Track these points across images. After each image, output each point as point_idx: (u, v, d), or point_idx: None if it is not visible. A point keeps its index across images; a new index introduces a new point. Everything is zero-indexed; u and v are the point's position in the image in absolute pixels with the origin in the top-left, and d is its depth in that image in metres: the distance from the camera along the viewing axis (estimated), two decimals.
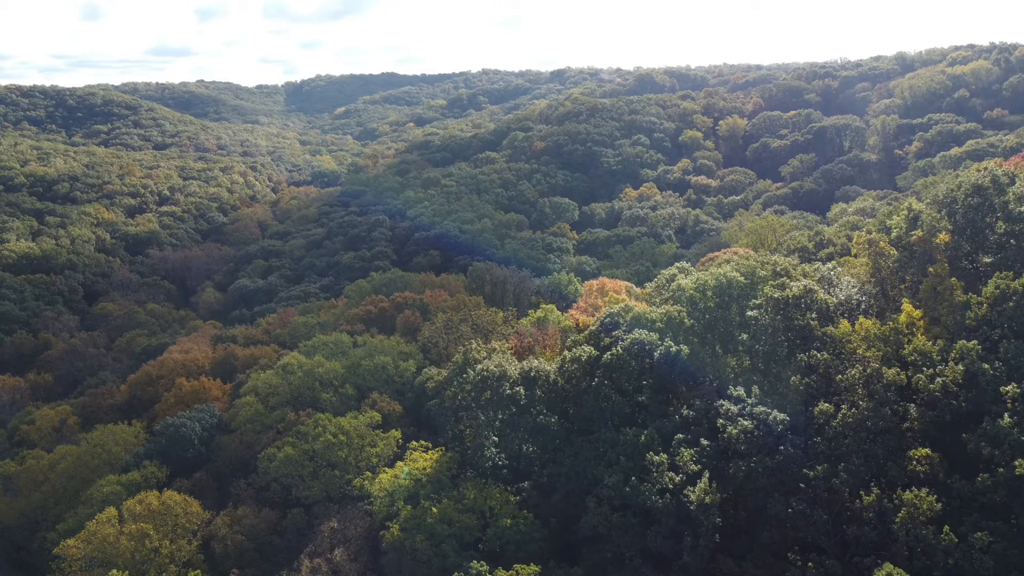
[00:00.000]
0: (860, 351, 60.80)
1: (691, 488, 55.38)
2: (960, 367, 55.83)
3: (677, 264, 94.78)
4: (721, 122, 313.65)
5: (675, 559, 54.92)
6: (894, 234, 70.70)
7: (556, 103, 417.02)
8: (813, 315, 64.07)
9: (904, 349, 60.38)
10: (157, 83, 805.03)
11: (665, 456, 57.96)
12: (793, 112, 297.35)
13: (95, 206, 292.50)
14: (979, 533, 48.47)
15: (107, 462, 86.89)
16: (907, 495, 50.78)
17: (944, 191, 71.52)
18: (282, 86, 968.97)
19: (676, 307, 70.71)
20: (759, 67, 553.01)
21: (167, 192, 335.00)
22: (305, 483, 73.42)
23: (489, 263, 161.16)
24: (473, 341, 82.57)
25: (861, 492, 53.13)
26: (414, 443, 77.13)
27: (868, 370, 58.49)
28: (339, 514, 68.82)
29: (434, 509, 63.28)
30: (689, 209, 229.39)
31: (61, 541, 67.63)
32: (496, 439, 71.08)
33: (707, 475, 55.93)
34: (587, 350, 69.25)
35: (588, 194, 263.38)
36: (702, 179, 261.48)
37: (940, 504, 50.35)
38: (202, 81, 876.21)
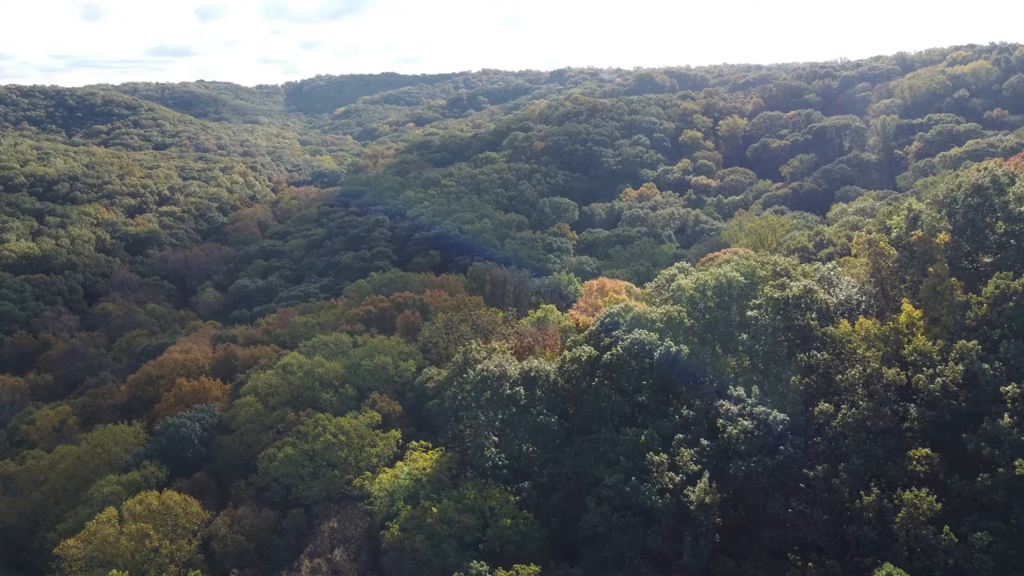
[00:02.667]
0: (860, 351, 60.81)
1: (691, 488, 55.38)
2: (960, 367, 55.84)
3: (677, 264, 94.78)
4: (721, 122, 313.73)
5: (675, 559, 54.90)
6: (894, 234, 70.71)
7: (556, 103, 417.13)
8: (813, 315, 64.07)
9: (904, 349, 60.39)
10: (157, 83, 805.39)
11: (665, 456, 57.97)
12: (793, 112, 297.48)
13: (95, 206, 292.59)
14: (979, 533, 48.47)
15: (107, 462, 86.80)
16: (907, 495, 50.78)
17: (944, 191, 71.56)
18: (282, 86, 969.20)
19: (676, 307, 70.71)
20: (759, 67, 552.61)
21: (167, 192, 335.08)
22: (305, 483, 73.40)
23: (489, 263, 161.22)
24: (473, 341, 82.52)
25: (861, 492, 53.14)
26: (414, 443, 77.13)
27: (868, 370, 58.50)
28: (339, 514, 68.79)
29: (434, 509, 63.28)
30: (689, 209, 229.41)
31: (61, 541, 67.46)
32: (496, 439, 71.07)
33: (707, 475, 55.92)
34: (587, 350, 69.25)
35: (588, 194, 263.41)
36: (702, 179, 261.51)
37: (940, 504, 50.35)
38: (202, 81, 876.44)
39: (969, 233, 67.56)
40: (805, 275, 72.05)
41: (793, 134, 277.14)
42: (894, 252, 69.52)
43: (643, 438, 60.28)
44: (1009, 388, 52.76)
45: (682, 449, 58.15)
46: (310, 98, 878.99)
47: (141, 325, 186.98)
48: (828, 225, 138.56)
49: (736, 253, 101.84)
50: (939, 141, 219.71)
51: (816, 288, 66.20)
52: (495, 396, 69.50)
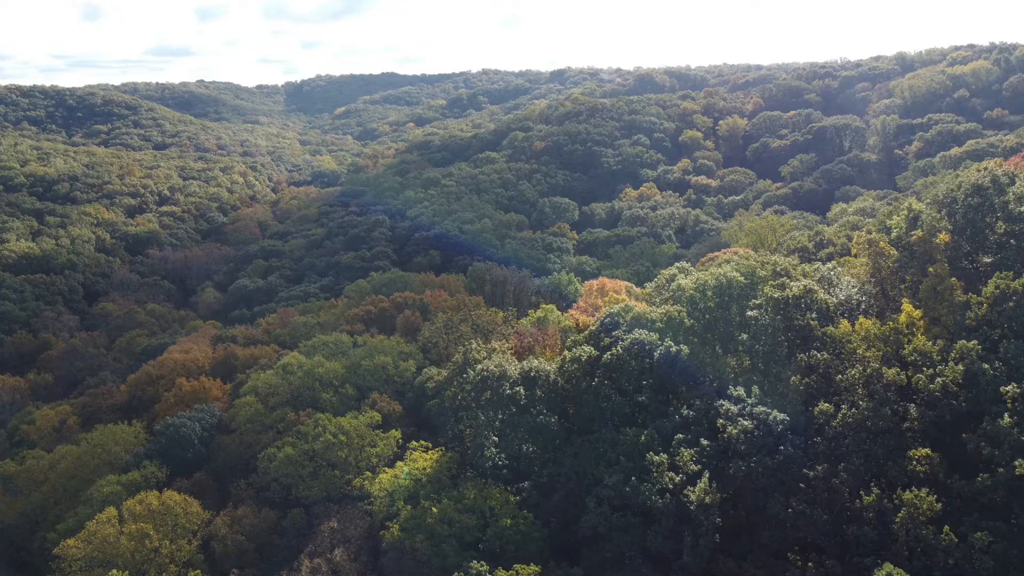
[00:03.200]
0: (860, 351, 60.81)
1: (691, 488, 55.38)
2: (960, 367, 55.83)
3: (677, 264, 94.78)
4: (721, 122, 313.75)
5: (675, 559, 54.90)
6: (894, 234, 70.72)
7: (556, 103, 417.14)
8: (813, 315, 64.06)
9: (904, 349, 60.39)
10: (157, 83, 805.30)
11: (665, 456, 57.96)
12: (793, 112, 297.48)
13: (95, 206, 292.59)
14: (979, 533, 48.47)
15: (107, 462, 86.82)
16: (907, 495, 50.78)
17: (944, 191, 71.57)
18: (282, 86, 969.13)
19: (676, 307, 70.71)
20: (759, 67, 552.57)
21: (167, 192, 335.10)
22: (305, 483, 73.41)
23: (489, 263, 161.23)
24: (473, 341, 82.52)
25: (861, 492, 53.14)
26: (414, 443, 77.14)
27: (868, 370, 58.49)
28: (339, 514, 68.81)
29: (434, 509, 63.29)
30: (689, 209, 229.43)
31: (61, 541, 67.47)
32: (496, 439, 71.07)
33: (707, 475, 55.92)
34: (587, 350, 69.24)
35: (588, 194, 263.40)
36: (702, 179, 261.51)
37: (940, 504, 50.35)
38: (202, 81, 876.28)
39: (969, 233, 67.55)
40: (805, 275, 72.04)
41: (793, 134, 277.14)
42: (894, 252, 69.52)
43: (643, 438, 60.27)
44: (1009, 388, 52.75)
45: (682, 449, 58.14)
46: (310, 98, 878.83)
47: (141, 325, 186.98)
48: (828, 225, 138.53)
49: (736, 253, 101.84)
50: (939, 141, 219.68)
51: (816, 288, 66.19)
52: (495, 396, 69.50)
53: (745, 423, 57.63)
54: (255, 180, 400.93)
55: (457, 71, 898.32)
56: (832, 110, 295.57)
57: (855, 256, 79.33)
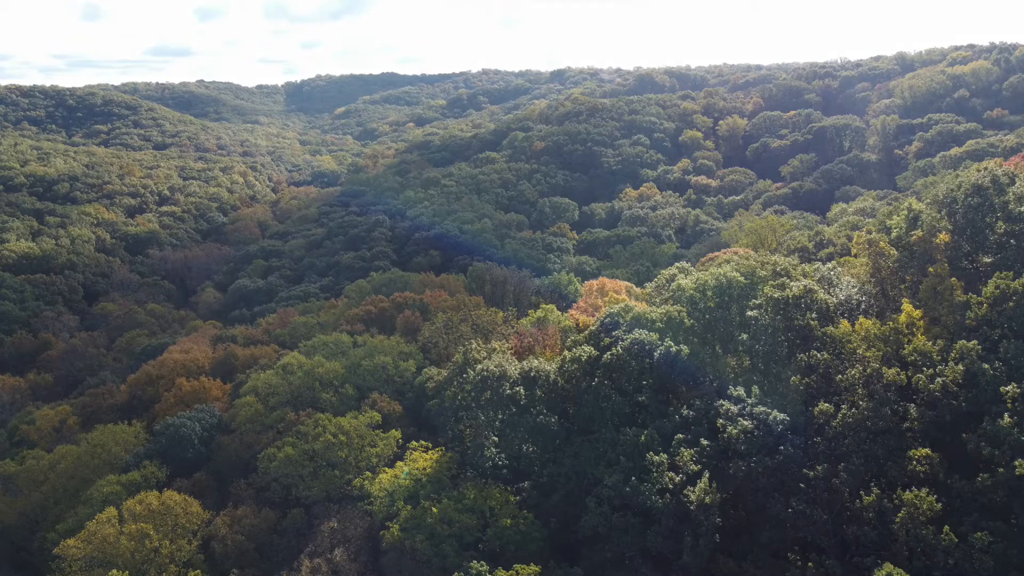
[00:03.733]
0: (860, 351, 60.80)
1: (691, 488, 55.38)
2: (960, 367, 55.82)
3: (677, 264, 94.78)
4: (721, 122, 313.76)
5: (675, 559, 54.91)
6: (894, 234, 70.71)
7: (556, 103, 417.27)
8: (813, 315, 64.05)
9: (904, 349, 60.38)
10: (157, 83, 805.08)
11: (665, 456, 57.97)
12: (793, 112, 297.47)
13: (95, 206, 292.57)
14: (979, 533, 48.45)
15: (107, 462, 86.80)
16: (907, 495, 50.77)
17: (944, 191, 71.54)
18: (282, 86, 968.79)
19: (676, 307, 70.71)
20: (759, 67, 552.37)
21: (167, 192, 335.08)
22: (305, 483, 73.43)
23: (489, 263, 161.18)
24: (473, 341, 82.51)
25: (861, 492, 53.12)
26: (414, 443, 77.17)
27: (868, 370, 58.49)
28: (339, 514, 68.83)
29: (434, 509, 63.31)
30: (689, 209, 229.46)
31: (61, 541, 67.48)
32: (496, 439, 71.07)
33: (707, 475, 55.92)
34: (587, 350, 69.24)
35: (588, 194, 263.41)
36: (702, 179, 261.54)
37: (940, 504, 50.34)
38: (202, 81, 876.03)
39: (969, 233, 67.53)
40: (805, 275, 72.04)
41: (793, 134, 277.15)
42: (894, 252, 69.52)
43: (643, 438, 60.28)
44: (1009, 388, 52.74)
45: (682, 449, 58.15)
46: (310, 98, 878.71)
47: (141, 325, 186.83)
48: (828, 225, 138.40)
49: (736, 253, 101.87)
50: (939, 141, 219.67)
51: (816, 288, 66.18)
52: (495, 396, 69.49)
53: (745, 423, 57.64)
54: (255, 180, 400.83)
55: (457, 71, 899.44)
56: (832, 110, 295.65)
57: (855, 256, 79.33)
